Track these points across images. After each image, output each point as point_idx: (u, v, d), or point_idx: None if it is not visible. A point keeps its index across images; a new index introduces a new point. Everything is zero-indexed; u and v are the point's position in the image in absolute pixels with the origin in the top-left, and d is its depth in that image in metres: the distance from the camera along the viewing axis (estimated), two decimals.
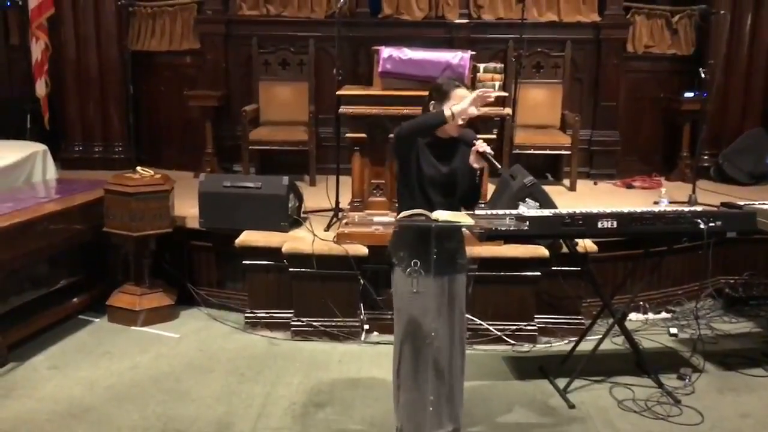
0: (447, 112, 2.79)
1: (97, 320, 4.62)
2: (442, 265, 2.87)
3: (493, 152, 2.81)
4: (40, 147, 5.47)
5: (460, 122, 2.84)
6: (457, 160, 2.93)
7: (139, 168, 4.71)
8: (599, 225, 3.50)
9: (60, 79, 6.43)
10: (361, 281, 4.32)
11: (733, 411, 3.60)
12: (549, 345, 4.37)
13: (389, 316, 4.30)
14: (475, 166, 2.85)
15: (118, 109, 6.46)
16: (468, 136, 2.88)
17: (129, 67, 6.30)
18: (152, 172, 4.66)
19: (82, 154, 6.51)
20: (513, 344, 4.32)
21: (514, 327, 4.35)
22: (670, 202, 5.18)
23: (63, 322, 4.49)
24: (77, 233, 4.56)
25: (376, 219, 4.37)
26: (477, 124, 4.21)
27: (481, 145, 2.81)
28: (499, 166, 2.84)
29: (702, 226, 3.52)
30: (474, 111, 2.81)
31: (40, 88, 6.31)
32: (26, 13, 6.30)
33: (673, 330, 4.54)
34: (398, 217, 2.91)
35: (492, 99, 2.88)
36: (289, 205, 4.63)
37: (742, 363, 4.10)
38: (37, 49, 6.25)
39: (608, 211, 3.57)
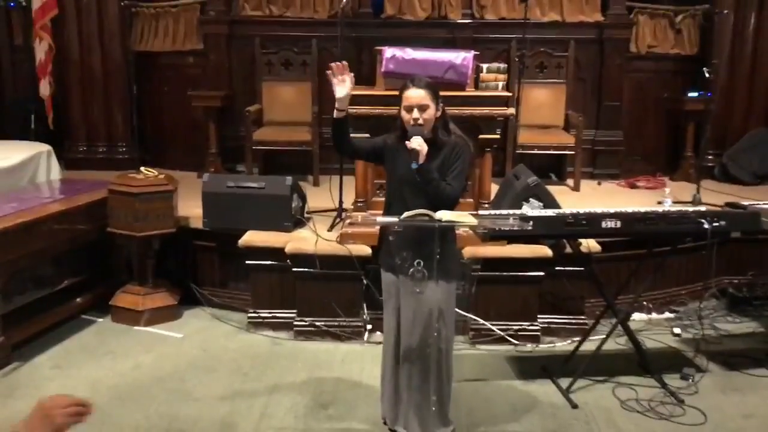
0: (334, 112, 2.96)
1: (101, 320, 4.63)
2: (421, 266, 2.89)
3: (418, 149, 2.80)
4: (44, 147, 5.47)
5: (412, 121, 2.89)
6: (436, 161, 2.93)
7: (142, 168, 4.72)
8: (603, 225, 3.50)
9: (64, 80, 6.45)
10: (364, 281, 4.32)
11: (737, 411, 3.59)
12: (552, 345, 4.37)
13: None
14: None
15: (122, 110, 6.46)
16: (412, 134, 2.87)
17: (132, 68, 6.33)
18: (156, 173, 4.67)
19: (86, 155, 6.52)
20: (516, 344, 4.32)
21: (517, 327, 4.35)
22: (674, 202, 5.18)
23: (66, 322, 4.50)
24: (81, 233, 4.57)
25: (380, 219, 4.36)
26: (480, 124, 4.24)
27: (411, 142, 2.83)
28: (413, 165, 2.82)
29: (706, 226, 3.51)
30: (339, 92, 2.92)
31: (44, 89, 6.33)
32: (30, 14, 6.32)
33: (677, 330, 4.53)
34: (401, 217, 2.91)
35: (338, 66, 2.92)
36: (293, 206, 4.63)
37: (746, 363, 4.09)
38: (41, 50, 6.26)
39: (612, 211, 3.56)
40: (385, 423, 3.26)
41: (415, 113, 2.90)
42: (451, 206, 2.94)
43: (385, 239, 3.16)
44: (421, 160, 2.82)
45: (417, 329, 3.00)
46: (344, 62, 2.94)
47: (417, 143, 2.83)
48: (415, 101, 2.90)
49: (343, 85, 2.93)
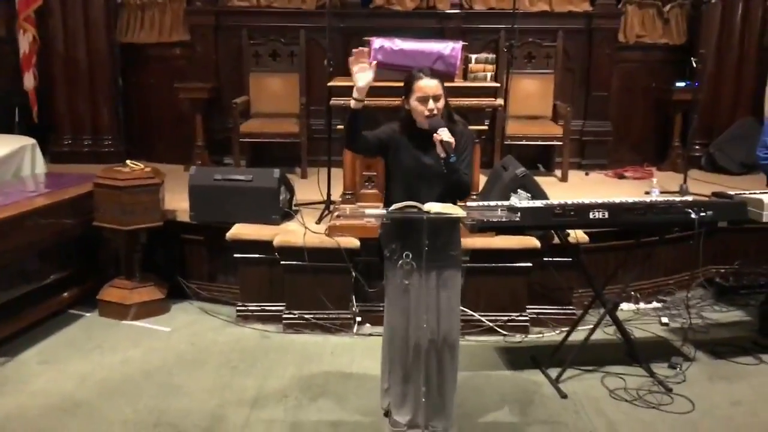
0: (351, 102, 2.83)
1: (88, 315, 4.60)
2: (428, 257, 2.85)
3: (451, 141, 2.78)
4: (28, 141, 5.42)
5: (426, 112, 2.84)
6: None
7: (129, 161, 4.68)
8: (591, 215, 3.51)
9: (48, 72, 6.37)
10: (353, 274, 4.31)
11: (724, 399, 3.62)
12: (541, 335, 4.38)
13: (381, 308, 4.29)
14: (441, 155, 2.82)
15: (108, 102, 6.41)
16: (434, 125, 2.84)
17: (118, 60, 6.27)
18: (142, 166, 4.63)
19: (72, 148, 6.46)
20: (505, 335, 4.34)
21: (506, 318, 4.36)
22: (662, 192, 5.19)
23: (53, 317, 4.47)
24: (67, 227, 4.53)
25: (368, 211, 4.32)
26: (469, 115, 4.23)
27: (439, 134, 2.79)
28: (447, 156, 2.78)
29: (693, 215, 3.53)
30: (363, 81, 2.81)
31: (29, 81, 6.25)
32: (13, 5, 6.23)
33: (664, 319, 4.56)
34: (390, 209, 2.90)
35: (361, 51, 2.85)
36: (281, 198, 4.61)
37: (733, 351, 4.12)
38: (25, 42, 6.18)
39: (600, 201, 3.58)
40: (385, 415, 3.21)
41: (431, 104, 2.85)
42: (468, 195, 3.03)
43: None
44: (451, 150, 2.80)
45: (441, 319, 2.99)
46: (365, 49, 2.87)
47: (447, 135, 2.79)
48: (431, 92, 2.85)
49: (365, 74, 2.85)
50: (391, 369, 3.11)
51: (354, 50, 2.87)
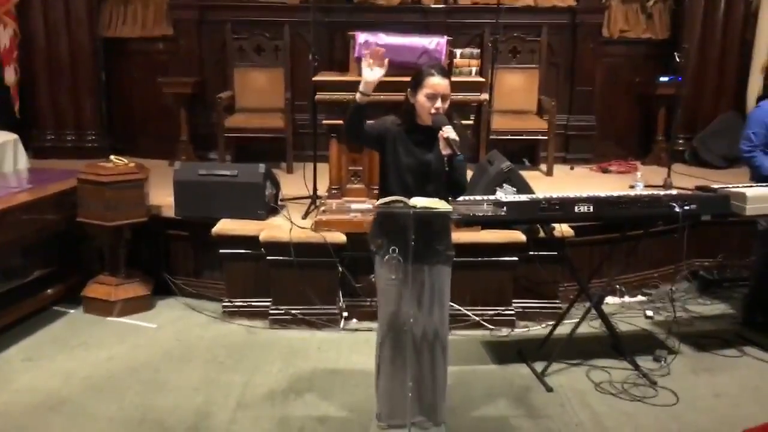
0: (357, 95, 2.82)
1: (73, 311, 4.57)
2: (419, 253, 2.86)
3: (457, 139, 2.77)
4: (10, 136, 5.36)
5: (433, 110, 2.83)
6: (438, 147, 2.90)
7: (112, 157, 4.63)
8: (576, 209, 3.53)
9: (30, 67, 6.29)
10: (340, 269, 4.31)
11: (708, 391, 3.66)
12: (527, 329, 4.40)
13: (368, 303, 4.33)
14: (444, 152, 2.81)
15: (91, 97, 6.35)
16: (439, 122, 2.84)
17: (101, 54, 6.20)
18: (126, 161, 4.59)
19: (55, 143, 6.39)
20: (491, 329, 4.35)
21: (493, 312, 4.38)
22: (646, 186, 5.23)
23: (37, 314, 4.43)
24: (51, 223, 4.49)
25: (354, 206, 4.36)
26: (453, 108, 4.23)
27: (445, 131, 2.77)
28: (458, 154, 2.76)
29: (677, 209, 3.56)
30: (371, 76, 2.80)
31: (10, 76, 6.18)
32: None
33: (649, 312, 4.60)
34: (375, 204, 2.90)
35: (377, 51, 2.83)
36: (266, 193, 4.59)
37: (716, 344, 4.16)
38: (5, 36, 6.10)
39: (585, 195, 3.59)
40: (379, 419, 3.17)
41: (439, 102, 2.85)
42: (462, 194, 3.06)
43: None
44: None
45: (432, 315, 3.02)
46: (382, 50, 2.84)
47: (453, 133, 2.78)
48: (441, 90, 2.85)
49: (374, 69, 2.82)
50: (381, 364, 3.10)
51: (370, 48, 2.84)
